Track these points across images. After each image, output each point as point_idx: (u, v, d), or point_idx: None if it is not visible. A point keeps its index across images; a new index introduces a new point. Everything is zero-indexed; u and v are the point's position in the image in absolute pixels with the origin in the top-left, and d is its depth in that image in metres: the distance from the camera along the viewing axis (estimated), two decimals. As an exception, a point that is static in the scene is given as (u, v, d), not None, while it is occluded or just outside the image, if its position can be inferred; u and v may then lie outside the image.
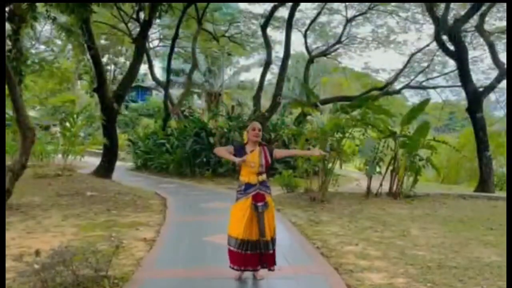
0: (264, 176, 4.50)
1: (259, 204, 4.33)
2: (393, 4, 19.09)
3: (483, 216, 8.47)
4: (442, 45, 14.37)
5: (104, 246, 4.84)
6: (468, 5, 14.32)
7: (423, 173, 12.10)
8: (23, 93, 13.21)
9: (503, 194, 12.41)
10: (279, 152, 4.84)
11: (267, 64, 18.43)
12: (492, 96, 17.13)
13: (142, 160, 19.47)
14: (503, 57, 17.14)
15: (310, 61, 21.80)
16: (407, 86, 22.37)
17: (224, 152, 4.52)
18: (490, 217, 8.28)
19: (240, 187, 4.47)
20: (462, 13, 14.94)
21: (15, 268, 4.48)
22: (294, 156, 4.72)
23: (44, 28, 21.83)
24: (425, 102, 12.02)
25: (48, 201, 9.45)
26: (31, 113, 29.72)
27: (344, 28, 20.66)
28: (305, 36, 20.87)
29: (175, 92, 32.09)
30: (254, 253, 4.32)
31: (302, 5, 19.35)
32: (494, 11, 16.50)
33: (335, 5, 20.13)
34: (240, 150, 4.48)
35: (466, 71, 13.66)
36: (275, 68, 27.91)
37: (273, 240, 4.39)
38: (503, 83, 14.52)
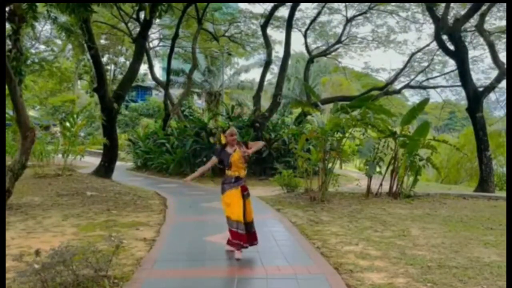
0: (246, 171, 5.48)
1: (245, 193, 5.34)
2: (393, 4, 19.09)
3: (483, 216, 8.46)
4: (442, 45, 14.36)
5: (104, 246, 4.84)
6: (468, 5, 14.32)
7: (423, 173, 12.09)
8: (23, 93, 13.21)
9: (503, 194, 12.41)
10: (252, 145, 5.57)
11: (267, 64, 18.43)
12: (492, 96, 17.10)
13: (142, 160, 19.47)
14: (503, 57, 17.18)
15: (310, 61, 21.78)
16: (407, 86, 22.35)
17: (207, 166, 5.69)
18: (490, 217, 8.28)
19: (229, 180, 5.30)
20: (462, 12, 14.94)
21: (15, 268, 4.48)
22: (256, 149, 5.62)
23: (44, 28, 21.89)
24: (425, 102, 12.01)
25: (48, 201, 9.45)
26: (31, 113, 29.77)
27: (344, 28, 20.65)
28: (305, 35, 20.86)
29: (175, 92, 32.12)
30: (245, 233, 5.19)
31: (302, 5, 19.37)
32: (494, 11, 16.51)
33: (335, 4, 20.13)
34: (222, 152, 5.37)
35: (466, 70, 13.65)
36: (275, 68, 27.96)
37: (252, 222, 5.38)
38: (503, 83, 14.53)
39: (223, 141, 5.42)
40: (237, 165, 5.28)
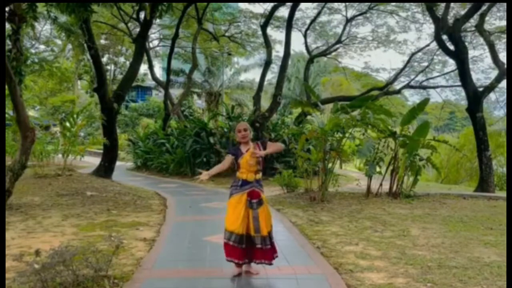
0: (260, 175, 4.66)
1: (254, 201, 4.53)
2: (393, 4, 19.10)
3: (483, 216, 8.45)
4: (442, 45, 14.36)
5: (104, 246, 4.85)
6: (468, 5, 14.32)
7: (423, 173, 12.06)
8: (23, 93, 13.21)
9: (503, 194, 12.40)
10: (270, 146, 4.77)
11: (267, 64, 18.42)
12: (492, 96, 17.11)
13: (142, 160, 19.49)
14: (503, 57, 17.18)
15: (310, 61, 21.78)
16: (407, 86, 22.35)
17: (224, 165, 4.66)
18: (490, 217, 8.27)
19: (236, 183, 4.62)
20: (462, 12, 14.94)
21: (15, 268, 4.49)
22: (273, 151, 4.81)
23: (44, 28, 21.91)
24: (425, 101, 11.97)
25: (48, 201, 9.46)
26: (31, 113, 29.78)
27: (344, 28, 20.65)
28: (305, 35, 20.86)
29: (175, 92, 32.13)
30: (250, 247, 4.51)
31: (302, 5, 19.38)
32: (494, 11, 16.51)
33: (335, 4, 20.14)
34: (237, 151, 4.68)
35: (466, 70, 13.64)
36: (275, 68, 27.94)
37: (270, 235, 4.54)
38: (503, 83, 14.53)
39: (236, 139, 4.81)
40: (245, 167, 4.57)
